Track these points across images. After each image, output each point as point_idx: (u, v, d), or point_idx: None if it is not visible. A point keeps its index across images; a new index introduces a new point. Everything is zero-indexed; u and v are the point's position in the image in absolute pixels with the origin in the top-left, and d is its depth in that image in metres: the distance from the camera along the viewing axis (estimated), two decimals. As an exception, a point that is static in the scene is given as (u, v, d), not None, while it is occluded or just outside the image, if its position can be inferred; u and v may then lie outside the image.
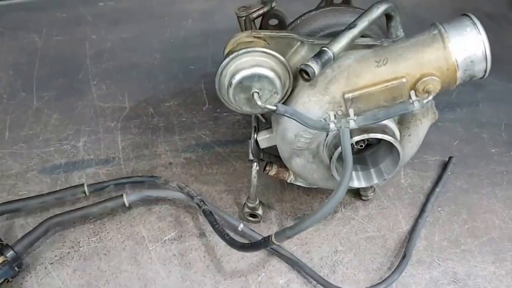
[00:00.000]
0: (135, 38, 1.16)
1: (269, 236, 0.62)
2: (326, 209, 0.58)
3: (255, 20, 0.73)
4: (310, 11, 0.73)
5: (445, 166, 0.87)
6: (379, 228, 0.80)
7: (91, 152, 0.91)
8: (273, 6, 0.74)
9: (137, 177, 0.84)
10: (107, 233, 0.79)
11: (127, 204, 0.79)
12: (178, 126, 0.96)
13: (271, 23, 0.76)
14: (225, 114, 0.98)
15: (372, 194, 0.82)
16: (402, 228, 0.79)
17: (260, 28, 0.76)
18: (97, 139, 0.93)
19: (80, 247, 0.77)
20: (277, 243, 0.62)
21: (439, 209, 0.82)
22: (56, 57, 1.11)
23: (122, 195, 0.79)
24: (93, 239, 0.78)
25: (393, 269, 0.73)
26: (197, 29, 1.19)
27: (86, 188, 0.80)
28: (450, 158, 0.88)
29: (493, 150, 0.91)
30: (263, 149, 0.74)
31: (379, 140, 0.66)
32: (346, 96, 0.60)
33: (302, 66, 0.58)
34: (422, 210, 0.81)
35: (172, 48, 1.14)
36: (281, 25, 0.76)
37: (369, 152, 0.71)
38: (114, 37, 1.16)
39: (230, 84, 0.61)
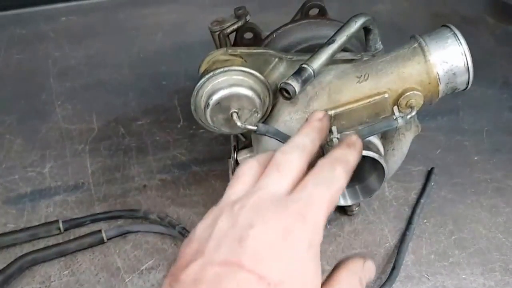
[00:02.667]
0: (102, 54, 1.11)
1: None
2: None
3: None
4: (286, 24, 0.71)
5: (427, 177, 0.85)
6: (366, 244, 0.77)
7: (58, 179, 0.86)
8: (247, 19, 0.71)
9: (115, 212, 0.80)
10: (80, 265, 0.74)
11: (105, 240, 0.75)
12: (151, 146, 0.91)
13: (246, 36, 0.74)
14: (201, 131, 0.94)
15: (357, 208, 0.80)
16: (389, 242, 0.77)
17: (235, 42, 0.74)
18: (64, 164, 0.88)
19: (52, 281, 0.72)
20: None
21: (425, 221, 0.80)
22: (17, 77, 1.05)
23: (100, 230, 0.75)
24: (64, 272, 0.73)
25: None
26: (168, 42, 1.14)
27: (61, 225, 0.77)
28: (432, 169, 0.86)
29: (476, 158, 0.89)
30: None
31: (363, 156, 0.64)
32: (329, 113, 0.58)
33: (282, 84, 0.55)
34: (409, 222, 0.79)
35: (142, 63, 1.09)
36: (257, 39, 0.73)
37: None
38: (79, 53, 1.11)
39: (207, 105, 0.58)
